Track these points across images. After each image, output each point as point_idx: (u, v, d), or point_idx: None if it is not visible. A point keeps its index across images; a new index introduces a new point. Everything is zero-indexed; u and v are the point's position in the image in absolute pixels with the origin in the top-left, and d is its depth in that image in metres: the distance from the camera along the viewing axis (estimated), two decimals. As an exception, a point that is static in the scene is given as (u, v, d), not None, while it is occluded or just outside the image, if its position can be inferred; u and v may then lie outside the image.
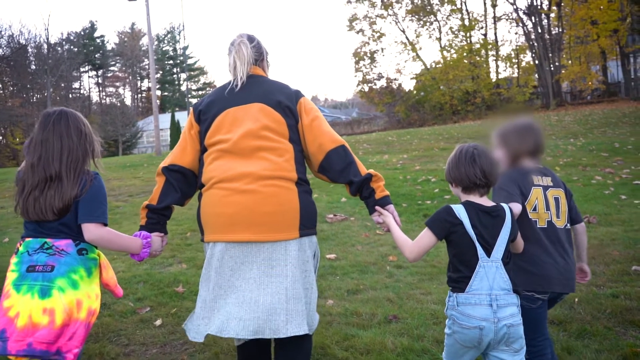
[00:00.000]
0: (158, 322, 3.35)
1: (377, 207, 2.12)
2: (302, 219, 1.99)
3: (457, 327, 1.84)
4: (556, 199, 2.14)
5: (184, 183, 2.16)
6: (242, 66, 2.16)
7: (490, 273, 1.83)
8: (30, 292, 1.77)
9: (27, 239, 1.88)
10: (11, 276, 1.84)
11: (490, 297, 1.81)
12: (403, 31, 40.42)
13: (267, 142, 2.03)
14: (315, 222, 2.10)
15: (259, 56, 2.25)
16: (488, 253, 1.84)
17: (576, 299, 3.35)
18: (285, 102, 2.11)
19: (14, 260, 1.87)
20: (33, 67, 45.73)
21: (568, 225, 2.17)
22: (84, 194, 1.87)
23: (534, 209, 2.09)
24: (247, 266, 1.94)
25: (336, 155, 2.10)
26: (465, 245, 1.85)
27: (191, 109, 2.23)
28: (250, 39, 2.23)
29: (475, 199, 1.93)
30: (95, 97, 63.14)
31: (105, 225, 1.93)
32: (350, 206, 7.28)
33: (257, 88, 2.14)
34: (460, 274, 1.86)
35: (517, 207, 2.04)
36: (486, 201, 1.93)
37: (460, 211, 1.88)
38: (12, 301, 1.78)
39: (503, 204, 1.94)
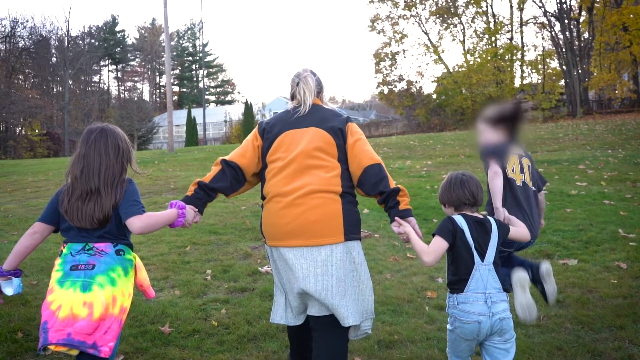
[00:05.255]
0: (131, 381, 2.58)
1: (396, 218, 2.30)
2: (346, 225, 2.27)
3: (459, 323, 2.11)
4: (528, 166, 2.75)
5: (235, 179, 2.45)
6: (310, 95, 2.50)
7: (484, 275, 2.10)
8: (73, 287, 1.93)
9: (70, 243, 2.05)
10: (55, 275, 2.00)
11: (485, 296, 2.08)
12: (426, 33, 39.42)
13: (317, 161, 2.34)
14: (360, 229, 2.38)
15: (320, 89, 2.60)
16: (482, 258, 2.12)
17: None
18: (338, 125, 2.44)
19: (58, 261, 2.04)
20: (54, 59, 45.66)
21: (535, 188, 2.76)
22: (121, 199, 2.05)
23: (512, 171, 2.63)
24: (298, 267, 2.25)
25: (371, 170, 2.34)
26: (465, 250, 2.12)
27: (257, 125, 2.56)
28: (313, 73, 2.59)
29: (467, 212, 2.22)
30: (114, 91, 63.18)
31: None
32: (373, 219, 6.45)
33: (315, 114, 2.48)
34: (459, 277, 2.13)
35: (497, 169, 2.57)
36: (477, 214, 2.24)
37: (460, 221, 2.17)
38: (54, 296, 1.94)
39: (489, 217, 2.27)
